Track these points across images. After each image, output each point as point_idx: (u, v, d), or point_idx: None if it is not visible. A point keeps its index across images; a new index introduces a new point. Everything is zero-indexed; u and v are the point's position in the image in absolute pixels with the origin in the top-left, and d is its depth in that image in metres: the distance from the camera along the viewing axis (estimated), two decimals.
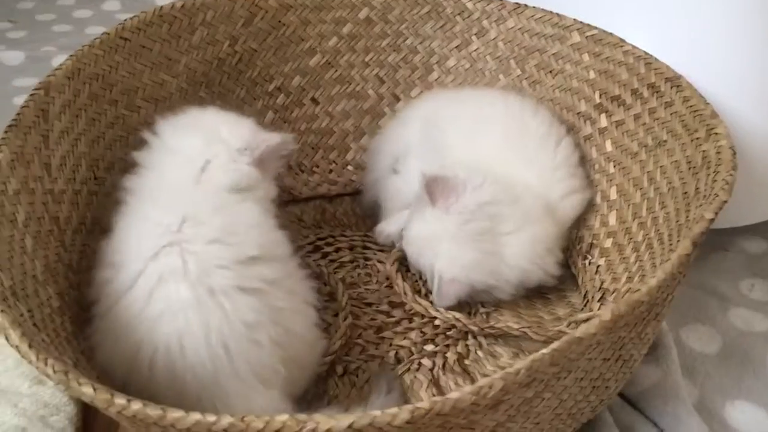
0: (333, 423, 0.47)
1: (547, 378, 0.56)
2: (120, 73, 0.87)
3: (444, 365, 0.81)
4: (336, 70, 1.05)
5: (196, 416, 0.48)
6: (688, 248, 0.59)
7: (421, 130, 0.94)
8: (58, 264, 0.72)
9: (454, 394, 0.48)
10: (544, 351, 0.51)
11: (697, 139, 0.76)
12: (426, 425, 0.50)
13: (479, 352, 0.82)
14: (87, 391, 0.51)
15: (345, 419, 0.47)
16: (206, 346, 0.63)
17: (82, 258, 0.78)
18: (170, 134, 0.78)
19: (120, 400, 0.50)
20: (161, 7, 0.91)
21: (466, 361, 0.81)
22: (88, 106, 0.83)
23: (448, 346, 0.83)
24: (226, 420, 0.48)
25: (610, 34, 0.90)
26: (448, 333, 0.84)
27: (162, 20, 0.91)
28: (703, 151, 0.74)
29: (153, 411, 0.49)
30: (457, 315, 0.83)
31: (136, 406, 0.49)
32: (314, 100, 1.05)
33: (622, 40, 0.89)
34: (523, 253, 0.84)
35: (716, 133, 0.73)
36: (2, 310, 0.56)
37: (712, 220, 0.62)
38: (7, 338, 0.55)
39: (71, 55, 0.82)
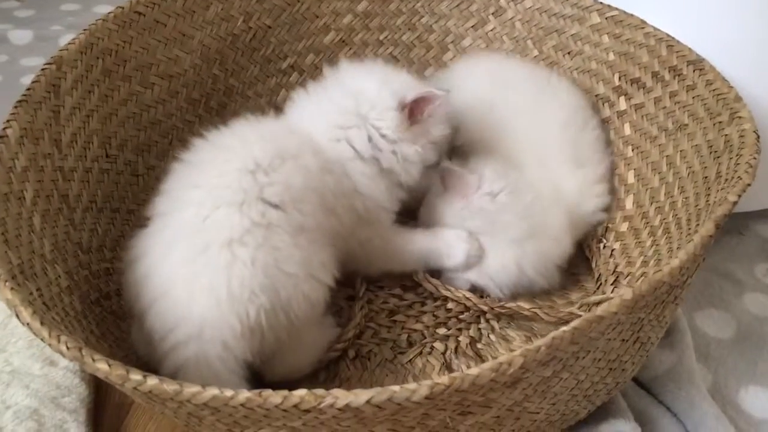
0: (351, 398, 0.47)
1: (566, 357, 0.55)
2: (133, 48, 0.86)
3: (456, 349, 0.80)
4: (350, 49, 1.03)
5: (213, 391, 0.48)
6: (711, 230, 0.59)
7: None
8: (67, 242, 0.72)
9: (473, 370, 0.48)
10: (565, 328, 0.50)
11: (720, 122, 0.75)
12: (444, 401, 0.50)
13: (491, 336, 0.82)
14: (102, 367, 0.51)
15: (364, 394, 0.47)
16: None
17: (93, 237, 0.77)
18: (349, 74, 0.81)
19: (136, 376, 0.50)
20: None
21: (479, 345, 0.81)
22: (100, 81, 0.82)
23: (460, 329, 0.82)
24: (243, 395, 0.48)
25: (631, 15, 0.89)
26: (460, 317, 0.84)
27: None
28: (726, 135, 0.73)
29: (169, 386, 0.49)
30: (468, 294, 0.83)
31: (152, 381, 0.49)
32: None
33: (644, 22, 0.87)
34: (529, 263, 0.82)
35: (740, 117, 0.73)
36: (12, 288, 0.55)
37: (735, 203, 0.61)
38: (17, 316, 0.54)
39: (84, 30, 0.81)
